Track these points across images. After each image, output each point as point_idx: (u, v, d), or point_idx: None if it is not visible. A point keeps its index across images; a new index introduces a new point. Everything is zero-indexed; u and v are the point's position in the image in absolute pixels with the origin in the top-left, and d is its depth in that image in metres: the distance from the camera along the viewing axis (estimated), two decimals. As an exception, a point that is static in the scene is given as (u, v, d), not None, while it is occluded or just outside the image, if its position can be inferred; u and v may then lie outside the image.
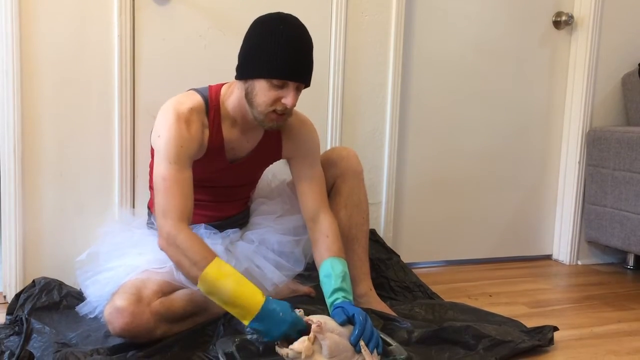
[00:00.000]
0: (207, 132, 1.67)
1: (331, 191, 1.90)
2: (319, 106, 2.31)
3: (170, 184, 1.55)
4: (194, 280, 1.49)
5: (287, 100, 1.57)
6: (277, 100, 1.58)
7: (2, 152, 1.96)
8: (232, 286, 1.46)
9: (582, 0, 2.72)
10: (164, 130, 1.60)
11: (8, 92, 1.93)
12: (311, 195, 1.79)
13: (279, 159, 1.86)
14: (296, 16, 1.62)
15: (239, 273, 1.51)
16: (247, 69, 1.61)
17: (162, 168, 1.57)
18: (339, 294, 1.61)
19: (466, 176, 2.69)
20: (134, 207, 2.10)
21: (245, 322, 1.45)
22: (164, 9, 2.09)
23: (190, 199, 1.58)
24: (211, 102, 1.68)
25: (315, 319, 1.47)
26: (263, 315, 1.44)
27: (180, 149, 1.58)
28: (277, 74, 1.56)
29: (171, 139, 1.58)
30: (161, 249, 1.55)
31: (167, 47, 2.10)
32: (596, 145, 2.69)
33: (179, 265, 1.53)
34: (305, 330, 1.46)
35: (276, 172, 2.01)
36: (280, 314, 1.45)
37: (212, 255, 1.51)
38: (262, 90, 1.58)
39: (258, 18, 1.63)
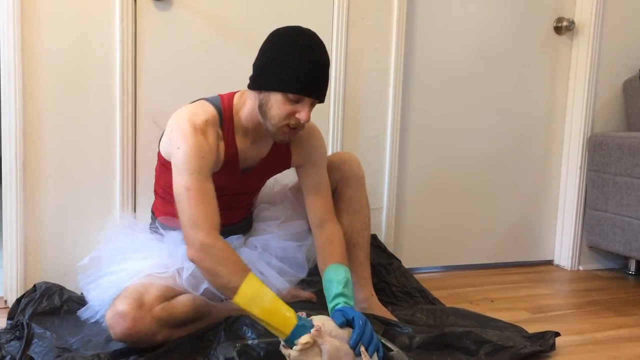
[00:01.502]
0: (222, 144, 1.66)
1: (333, 196, 1.90)
2: (321, 111, 2.30)
3: (196, 193, 1.53)
4: (232, 291, 1.46)
5: (302, 115, 1.57)
6: (291, 114, 1.58)
7: (3, 157, 1.97)
8: (268, 303, 1.45)
9: (583, 6, 2.73)
10: (183, 143, 1.57)
11: (10, 97, 1.94)
12: (319, 203, 1.80)
13: (288, 168, 1.85)
14: (314, 31, 1.62)
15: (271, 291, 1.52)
16: (263, 80, 1.59)
17: (184, 179, 1.54)
18: (340, 299, 1.61)
19: (467, 181, 2.69)
20: (135, 211, 2.10)
21: (286, 332, 1.44)
22: (165, 14, 2.09)
23: (217, 208, 1.55)
24: (225, 113, 1.67)
25: (315, 320, 1.48)
26: (302, 324, 1.45)
27: (202, 160, 1.56)
28: (294, 88, 1.55)
29: (192, 151, 1.55)
30: (192, 260, 1.51)
31: (168, 52, 2.11)
32: (597, 150, 2.69)
33: (215, 276, 1.49)
34: None
35: (278, 177, 2.01)
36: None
37: (248, 267, 1.51)
38: (277, 103, 1.57)
39: (277, 30, 1.62)
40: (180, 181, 1.54)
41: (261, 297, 1.45)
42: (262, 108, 1.60)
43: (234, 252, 1.53)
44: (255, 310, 1.45)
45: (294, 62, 1.54)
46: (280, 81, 1.55)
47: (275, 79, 1.56)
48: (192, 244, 1.50)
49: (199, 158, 1.56)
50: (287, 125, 1.60)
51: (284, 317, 1.45)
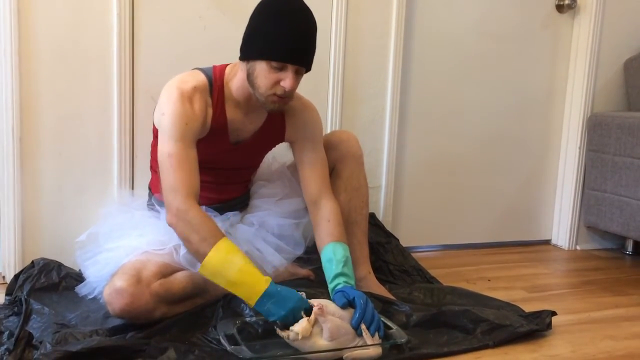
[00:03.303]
0: (210, 111, 1.67)
1: (331, 175, 1.89)
2: (320, 89, 2.30)
3: (177, 160, 1.55)
4: (201, 257, 1.49)
5: (286, 83, 1.57)
6: (276, 82, 1.58)
7: (0, 133, 1.95)
8: (241, 264, 1.47)
9: (585, -16, 2.70)
10: (168, 109, 1.59)
11: (6, 72, 1.92)
12: (313, 178, 1.79)
13: (281, 142, 1.85)
14: None
15: (244, 254, 1.52)
16: (248, 50, 1.60)
17: (167, 145, 1.57)
18: (341, 279, 1.62)
19: (466, 160, 2.68)
20: (133, 188, 2.09)
21: (251, 303, 1.46)
22: (163, -12, 2.07)
23: (197, 176, 1.58)
24: (215, 81, 1.68)
25: (316, 303, 1.48)
26: (269, 294, 1.45)
27: (185, 126, 1.58)
28: (275, 56, 1.55)
29: (176, 117, 1.58)
30: (169, 225, 1.54)
31: (166, 27, 2.09)
32: (597, 130, 2.68)
33: (187, 241, 1.53)
34: (308, 312, 1.47)
35: (277, 155, 2.00)
36: (285, 293, 1.47)
37: (221, 233, 1.53)
38: (262, 72, 1.58)
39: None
40: (164, 148, 1.57)
41: (227, 268, 1.47)
42: (249, 78, 1.61)
43: (208, 219, 1.54)
44: (220, 283, 1.48)
45: (275, 30, 1.54)
46: (262, 50, 1.56)
47: (259, 48, 1.57)
48: (169, 209, 1.54)
49: (182, 124, 1.57)
50: (275, 94, 1.59)
51: (250, 289, 1.46)
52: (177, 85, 1.62)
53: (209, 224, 1.53)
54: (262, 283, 1.47)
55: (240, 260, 1.49)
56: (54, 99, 1.99)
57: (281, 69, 1.57)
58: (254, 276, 1.48)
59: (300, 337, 1.43)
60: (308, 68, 1.62)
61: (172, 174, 1.55)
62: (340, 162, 1.90)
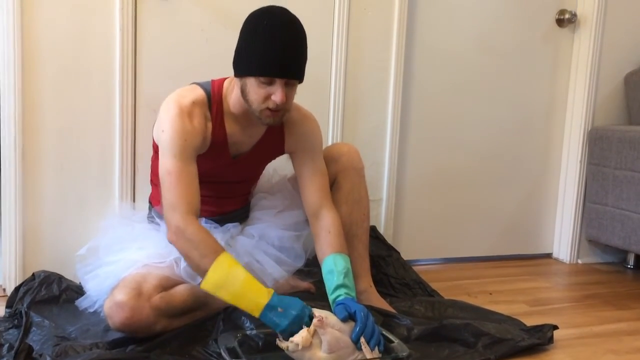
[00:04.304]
0: (210, 125, 1.67)
1: (332, 187, 1.89)
2: (321, 102, 2.31)
3: (176, 177, 1.56)
4: (203, 273, 1.49)
5: (277, 97, 1.56)
6: (267, 97, 1.58)
7: (2, 145, 1.96)
8: (243, 277, 1.47)
9: (585, -1, 2.72)
10: (167, 125, 1.59)
11: (9, 84, 1.92)
12: (313, 190, 1.79)
13: (281, 154, 1.85)
14: (286, 8, 1.61)
15: (244, 268, 1.53)
16: (238, 66, 1.61)
17: (167, 162, 1.57)
18: (342, 291, 1.62)
19: (467, 174, 2.68)
20: (134, 201, 2.09)
21: (255, 314, 1.46)
22: (166, 2, 2.08)
23: (197, 192, 1.59)
24: (214, 96, 1.68)
25: (317, 313, 1.48)
26: (273, 305, 1.46)
27: (185, 142, 1.58)
28: (261, 71, 1.55)
29: (175, 133, 1.58)
30: (170, 242, 1.55)
31: (168, 40, 2.10)
32: (598, 144, 2.68)
33: (188, 259, 1.54)
34: (309, 323, 1.47)
35: (277, 167, 2.01)
36: (288, 302, 1.48)
37: (221, 248, 1.53)
38: (253, 87, 1.58)
39: (250, 13, 1.63)
40: (164, 165, 1.58)
41: (229, 282, 1.47)
42: (243, 93, 1.62)
43: (207, 235, 1.55)
44: (224, 296, 1.48)
45: (259, 45, 1.55)
46: (250, 65, 1.56)
47: (247, 64, 1.57)
48: (169, 226, 1.54)
49: (181, 140, 1.58)
50: (268, 108, 1.59)
51: (253, 301, 1.46)
52: (175, 100, 1.63)
53: (208, 240, 1.53)
54: (265, 294, 1.47)
55: (241, 273, 1.49)
56: (56, 111, 2.00)
57: (270, 84, 1.56)
58: (256, 288, 1.48)
59: (300, 347, 1.42)
60: (299, 79, 1.61)
61: (172, 190, 1.55)
62: (341, 175, 1.90)
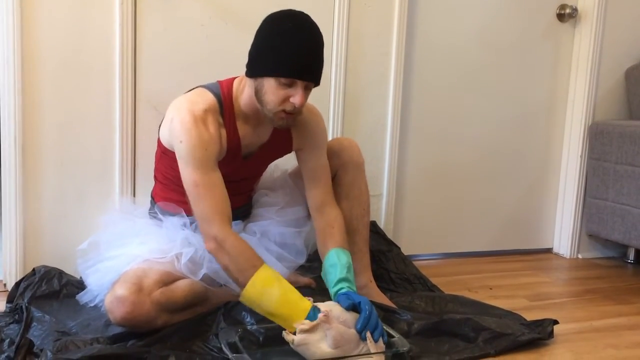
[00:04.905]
0: (224, 132, 1.66)
1: (332, 182, 1.89)
2: (321, 97, 2.29)
3: (204, 188, 1.56)
4: (241, 286, 1.52)
5: (296, 99, 1.56)
6: (285, 99, 1.57)
7: (2, 140, 1.96)
8: (277, 296, 1.50)
9: (586, -7, 2.71)
10: (185, 136, 1.57)
11: (9, 80, 1.92)
12: (318, 186, 1.79)
13: (289, 152, 1.85)
14: (307, 13, 1.61)
15: (285, 280, 1.55)
16: (256, 67, 1.60)
17: (192, 174, 1.57)
18: (344, 284, 1.62)
19: (467, 169, 2.68)
20: (134, 195, 2.09)
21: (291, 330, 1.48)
22: (166, -3, 2.08)
23: (227, 199, 1.59)
24: (225, 100, 1.67)
25: (322, 307, 1.49)
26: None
27: (206, 152, 1.57)
28: (285, 72, 1.55)
29: (194, 144, 1.56)
30: (209, 252, 1.57)
31: (168, 35, 2.09)
32: (598, 138, 2.68)
33: (226, 270, 1.55)
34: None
35: (278, 162, 2.00)
36: None
37: (260, 261, 1.54)
38: (271, 88, 1.57)
39: (269, 15, 1.62)
40: (188, 177, 1.57)
41: (264, 300, 1.50)
42: (257, 94, 1.60)
43: (245, 247, 1.56)
44: (260, 312, 1.52)
45: (283, 46, 1.54)
46: (271, 66, 1.56)
47: (267, 65, 1.56)
48: (207, 237, 1.56)
49: (202, 150, 1.57)
50: (284, 110, 1.59)
51: (287, 321, 1.49)
52: (188, 108, 1.60)
53: (247, 252, 1.55)
54: (300, 312, 1.49)
55: (277, 291, 1.50)
56: (56, 107, 2.00)
57: (290, 85, 1.56)
58: (288, 307, 1.50)
59: (305, 341, 1.43)
60: (317, 83, 1.62)
61: (202, 202, 1.56)
62: (341, 170, 1.90)
